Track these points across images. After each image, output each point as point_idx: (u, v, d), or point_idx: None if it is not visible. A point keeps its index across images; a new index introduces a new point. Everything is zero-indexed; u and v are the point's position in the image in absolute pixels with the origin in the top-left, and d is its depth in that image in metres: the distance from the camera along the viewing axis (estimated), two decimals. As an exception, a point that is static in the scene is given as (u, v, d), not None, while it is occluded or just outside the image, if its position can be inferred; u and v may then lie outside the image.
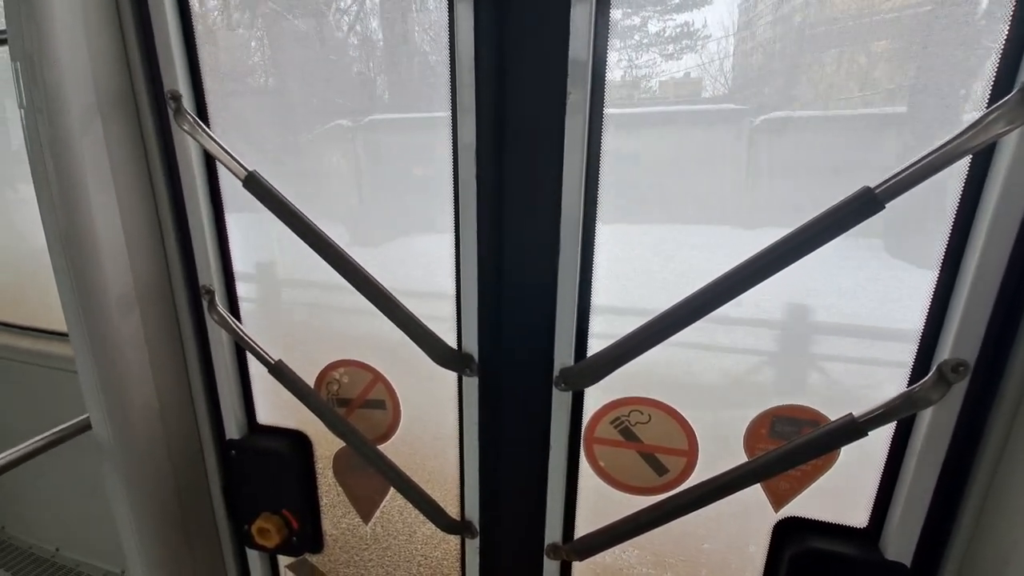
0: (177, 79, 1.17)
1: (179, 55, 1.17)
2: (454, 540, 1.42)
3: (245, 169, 1.12)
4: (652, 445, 1.18)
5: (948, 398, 0.90)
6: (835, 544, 1.08)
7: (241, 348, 1.40)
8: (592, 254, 1.06)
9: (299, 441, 1.45)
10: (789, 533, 1.13)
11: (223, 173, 1.25)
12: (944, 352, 0.90)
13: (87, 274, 1.20)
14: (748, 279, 0.89)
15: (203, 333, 1.38)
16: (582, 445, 1.22)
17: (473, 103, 1.00)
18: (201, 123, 1.15)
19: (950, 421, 0.93)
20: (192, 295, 1.35)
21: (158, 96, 1.20)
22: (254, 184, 1.12)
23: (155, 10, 1.14)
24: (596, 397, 1.17)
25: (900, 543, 1.02)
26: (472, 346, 1.15)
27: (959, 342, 0.88)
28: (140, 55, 1.18)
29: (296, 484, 1.46)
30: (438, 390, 1.28)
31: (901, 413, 0.92)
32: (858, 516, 1.09)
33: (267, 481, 1.47)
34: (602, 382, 1.10)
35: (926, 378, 0.90)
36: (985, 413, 0.92)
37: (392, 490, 1.44)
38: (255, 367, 1.42)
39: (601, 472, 1.23)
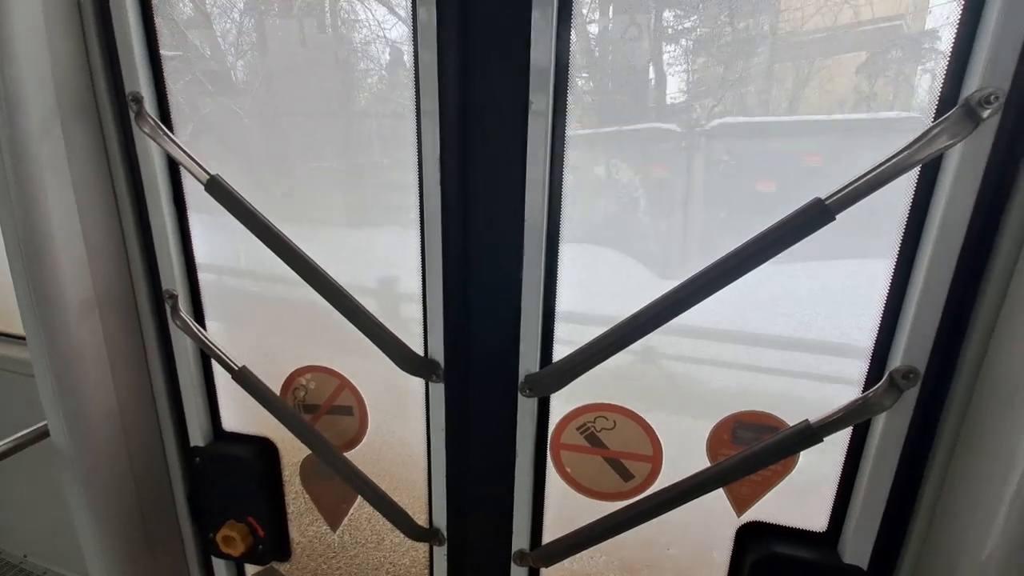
0: (139, 81, 1.15)
1: (141, 57, 1.15)
2: (422, 548, 1.41)
3: (207, 173, 1.11)
4: (617, 451, 1.19)
5: (900, 404, 0.92)
6: (795, 548, 1.09)
7: (206, 354, 1.38)
8: (556, 260, 1.07)
9: (265, 448, 1.43)
10: (751, 537, 1.14)
11: (188, 177, 1.23)
12: (896, 360, 0.93)
13: (45, 278, 1.17)
14: (707, 287, 0.90)
15: (166, 339, 1.35)
16: (548, 451, 1.22)
17: (436, 109, 1.00)
18: (163, 126, 1.13)
19: (902, 426, 0.95)
20: (155, 300, 1.32)
21: (120, 98, 1.18)
22: (216, 188, 1.11)
23: (116, 11, 1.13)
24: (563, 403, 1.18)
25: (857, 547, 1.04)
26: (438, 352, 1.15)
27: (909, 350, 0.91)
28: (101, 56, 1.16)
29: (262, 491, 1.44)
30: (405, 396, 1.27)
31: (855, 419, 0.94)
32: (818, 520, 1.11)
33: (233, 488, 1.45)
34: (568, 387, 1.11)
35: (878, 385, 0.92)
36: (935, 418, 0.95)
37: (360, 497, 1.43)
38: (221, 373, 1.40)
39: (568, 478, 1.23)
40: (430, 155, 1.02)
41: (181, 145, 1.12)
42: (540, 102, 0.96)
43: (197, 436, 1.42)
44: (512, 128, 0.99)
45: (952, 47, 0.81)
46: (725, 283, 0.91)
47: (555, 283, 1.08)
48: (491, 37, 0.97)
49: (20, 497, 2.47)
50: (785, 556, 1.09)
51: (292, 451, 1.43)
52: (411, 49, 1.01)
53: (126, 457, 1.37)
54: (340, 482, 1.40)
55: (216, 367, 1.40)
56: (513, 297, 1.08)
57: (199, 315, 1.36)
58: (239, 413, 1.44)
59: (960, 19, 0.80)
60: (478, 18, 0.97)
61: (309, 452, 1.41)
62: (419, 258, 1.12)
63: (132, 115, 1.15)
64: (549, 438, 1.20)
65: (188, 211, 1.27)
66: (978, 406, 0.89)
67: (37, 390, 1.28)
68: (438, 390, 1.18)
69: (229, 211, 1.12)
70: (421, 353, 1.18)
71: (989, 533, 0.85)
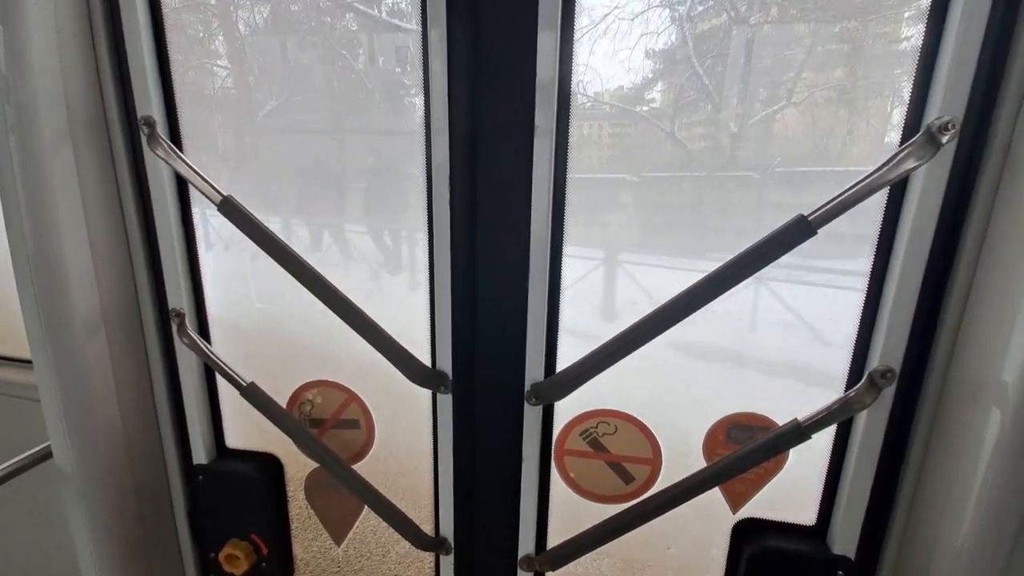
0: (151, 104, 1.18)
1: (153, 80, 1.18)
2: (428, 558, 1.44)
3: (220, 194, 1.14)
4: (619, 455, 1.24)
5: (879, 402, 1.01)
6: (787, 542, 1.16)
7: (210, 371, 1.39)
8: (560, 272, 1.13)
9: (269, 464, 1.44)
10: (747, 533, 1.21)
11: (195, 196, 1.26)
12: (874, 361, 1.01)
13: (54, 296, 1.18)
14: (700, 298, 0.97)
15: (171, 356, 1.36)
16: (553, 457, 1.27)
17: (446, 124, 1.05)
18: (175, 148, 1.16)
19: (881, 422, 1.03)
20: (161, 318, 1.34)
21: (131, 120, 1.21)
22: (229, 208, 1.14)
23: (130, 34, 1.16)
24: (566, 410, 1.23)
25: (844, 537, 1.11)
26: (446, 364, 1.19)
27: (886, 351, 0.99)
28: (113, 79, 1.19)
29: (266, 508, 1.45)
30: (412, 408, 1.31)
31: (839, 417, 1.02)
32: (807, 514, 1.18)
33: (236, 506, 1.45)
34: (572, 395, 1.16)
35: (859, 384, 1.00)
36: (911, 414, 1.03)
37: (364, 511, 1.45)
38: (224, 390, 1.42)
39: (571, 483, 1.28)
40: (440, 172, 1.08)
41: (194, 167, 1.15)
42: (545, 120, 1.02)
43: (200, 453, 1.43)
44: (518, 145, 1.06)
45: (914, 77, 0.91)
46: (717, 294, 0.98)
47: (559, 295, 1.14)
48: (499, 56, 1.04)
49: (8, 523, 2.39)
50: (778, 549, 1.15)
51: (296, 466, 1.45)
52: (421, 67, 1.06)
53: (129, 475, 1.36)
54: (345, 495, 1.42)
55: (220, 384, 1.41)
56: (519, 309, 1.13)
57: (204, 332, 1.37)
58: (243, 429, 1.45)
59: (920, 49, 0.90)
60: (487, 37, 1.03)
61: (313, 467, 1.43)
62: (427, 271, 1.16)
63: (144, 137, 1.18)
64: (553, 444, 1.25)
65: (196, 230, 1.29)
66: (948, 401, 0.98)
67: (33, 416, 1.27)
68: (446, 401, 1.22)
69: (243, 231, 1.15)
70: (429, 365, 1.22)
71: (963, 520, 0.93)
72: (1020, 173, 0.83)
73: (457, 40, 1.02)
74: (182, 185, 1.26)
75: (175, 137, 1.24)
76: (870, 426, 1.04)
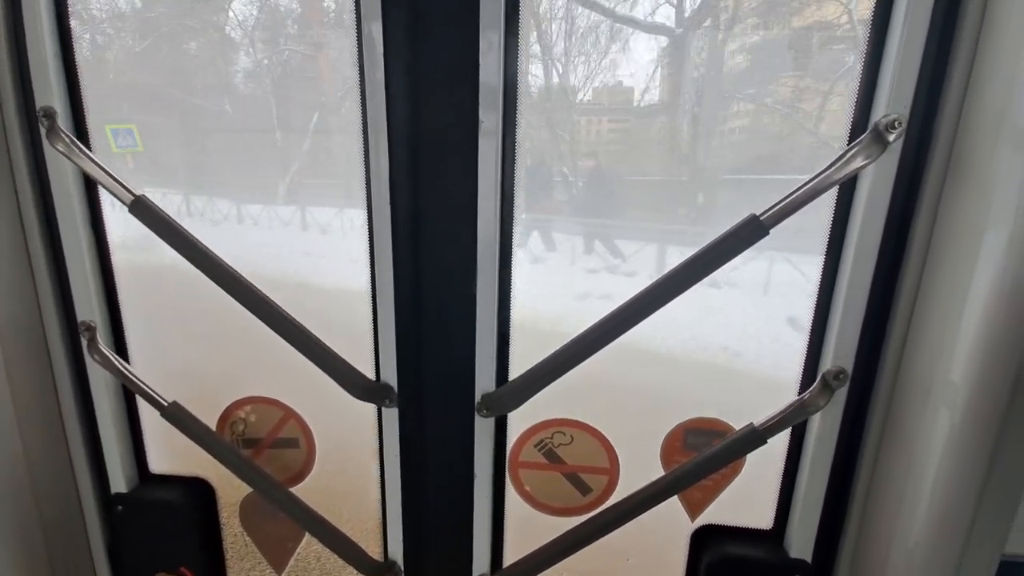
0: (52, 94, 1.05)
1: (54, 67, 1.06)
2: (377, 582, 1.34)
3: (132, 193, 1.02)
4: (575, 465, 1.19)
5: (832, 403, 0.99)
6: (745, 548, 1.14)
7: (129, 390, 1.26)
8: (509, 279, 1.07)
9: (199, 489, 1.32)
10: (705, 540, 1.18)
11: (108, 196, 1.14)
12: (827, 363, 1.00)
13: (-68, 313, 1.04)
14: (654, 302, 0.93)
15: (82, 375, 1.22)
16: (507, 470, 1.21)
17: (384, 126, 0.98)
18: (79, 144, 1.04)
19: (835, 424, 1.02)
20: (69, 333, 1.20)
21: (29, 111, 1.07)
22: (141, 210, 1.02)
23: (28, 15, 1.03)
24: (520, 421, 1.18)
25: (801, 541, 1.10)
26: (391, 376, 1.12)
27: (838, 352, 0.98)
28: (9, 65, 1.05)
29: (196, 537, 1.33)
30: (356, 423, 1.22)
31: (794, 419, 1.00)
32: (765, 519, 1.16)
33: (162, 537, 1.32)
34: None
35: (812, 386, 0.98)
36: (863, 414, 1.03)
37: (308, 535, 1.35)
38: (147, 410, 1.28)
39: (527, 496, 1.22)
40: (379, 174, 1.00)
41: (100, 163, 1.03)
42: (490, 120, 0.97)
43: (119, 481, 1.29)
44: (463, 146, 1.00)
45: (861, 77, 0.90)
46: (670, 298, 0.95)
47: (509, 301, 1.08)
48: (440, 55, 0.97)
49: None
50: (737, 556, 1.13)
51: (231, 490, 1.33)
52: (357, 64, 0.99)
53: (34, 509, 1.21)
54: (286, 520, 1.31)
55: (141, 404, 1.28)
56: (468, 316, 1.07)
57: (121, 348, 1.24)
58: (169, 453, 1.33)
59: (866, 50, 0.89)
60: (426, 36, 0.97)
61: (250, 491, 1.31)
62: (369, 279, 1.08)
63: (43, 131, 1.05)
64: (507, 457, 1.19)
65: (108, 235, 1.16)
66: (899, 401, 0.97)
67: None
68: (391, 415, 1.15)
69: (157, 234, 1.04)
70: (373, 378, 1.14)
71: (915, 519, 0.92)
72: (965, 170, 0.83)
73: (395, 39, 0.95)
74: (90, 183, 1.13)
75: (80, 131, 1.11)
76: (824, 428, 1.03)
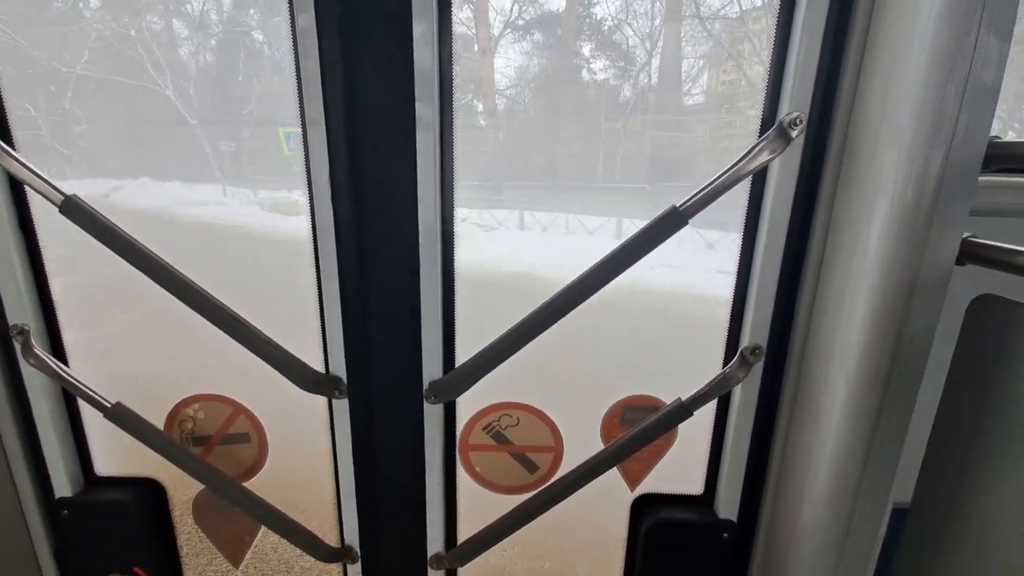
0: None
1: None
2: (335, 568, 1.38)
3: (61, 194, 1.00)
4: (522, 445, 1.26)
5: (750, 377, 1.09)
6: (679, 512, 1.24)
7: (70, 394, 1.24)
8: (452, 267, 1.11)
9: (149, 489, 1.31)
10: (644, 508, 1.27)
11: (35, 195, 1.10)
12: (745, 340, 1.09)
13: None
14: (585, 291, 1.00)
15: (17, 379, 1.19)
16: (458, 453, 1.26)
17: (322, 118, 0.99)
18: (5, 145, 1.00)
19: (753, 395, 1.12)
20: (0, 336, 1.16)
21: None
22: (73, 209, 1.01)
23: None
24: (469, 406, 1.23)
25: (728, 503, 1.21)
26: (340, 368, 1.14)
27: (755, 330, 1.07)
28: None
29: (149, 537, 1.32)
30: (307, 415, 1.24)
31: (717, 392, 1.09)
32: (695, 486, 1.26)
33: (112, 538, 1.31)
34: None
35: (732, 361, 1.08)
36: (778, 385, 1.13)
37: (264, 527, 1.37)
38: (89, 412, 1.26)
39: (477, 477, 1.28)
40: (319, 165, 1.02)
41: (26, 163, 1.00)
42: (426, 111, 0.99)
43: (63, 486, 1.27)
44: (400, 136, 1.02)
45: (768, 75, 0.98)
46: (599, 286, 1.01)
47: (453, 289, 1.12)
48: (373, 45, 0.99)
49: None
50: (672, 520, 1.23)
51: (183, 488, 1.33)
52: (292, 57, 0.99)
53: (-29, 520, 1.19)
54: (240, 514, 1.33)
55: (83, 406, 1.26)
56: (413, 305, 1.11)
57: (58, 350, 1.21)
58: (115, 454, 1.31)
59: (772, 53, 0.97)
60: (359, 26, 0.98)
61: (201, 488, 1.32)
62: (314, 272, 1.10)
63: (-41, 131, 1.01)
64: (458, 441, 1.24)
65: (39, 235, 1.13)
66: (806, 372, 1.08)
67: None
68: (342, 406, 1.17)
69: (90, 233, 1.02)
70: (321, 370, 1.16)
71: (819, 476, 1.03)
72: (856, 162, 0.93)
73: (327, 29, 0.96)
74: (16, 185, 1.10)
75: (2, 130, 1.07)
76: (744, 399, 1.13)
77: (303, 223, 1.05)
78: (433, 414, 1.18)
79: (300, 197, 1.04)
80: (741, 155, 0.94)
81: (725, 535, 1.22)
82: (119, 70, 1.13)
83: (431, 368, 1.14)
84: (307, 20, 0.95)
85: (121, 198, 1.13)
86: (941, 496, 1.16)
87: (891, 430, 0.93)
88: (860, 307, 0.92)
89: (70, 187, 1.01)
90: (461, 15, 1.00)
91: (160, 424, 1.24)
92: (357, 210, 1.07)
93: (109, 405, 1.14)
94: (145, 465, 1.31)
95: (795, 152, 0.97)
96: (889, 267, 0.88)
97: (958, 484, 1.15)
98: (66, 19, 1.09)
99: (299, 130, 1.01)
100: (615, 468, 1.23)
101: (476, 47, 1.08)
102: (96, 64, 1.09)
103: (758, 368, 1.10)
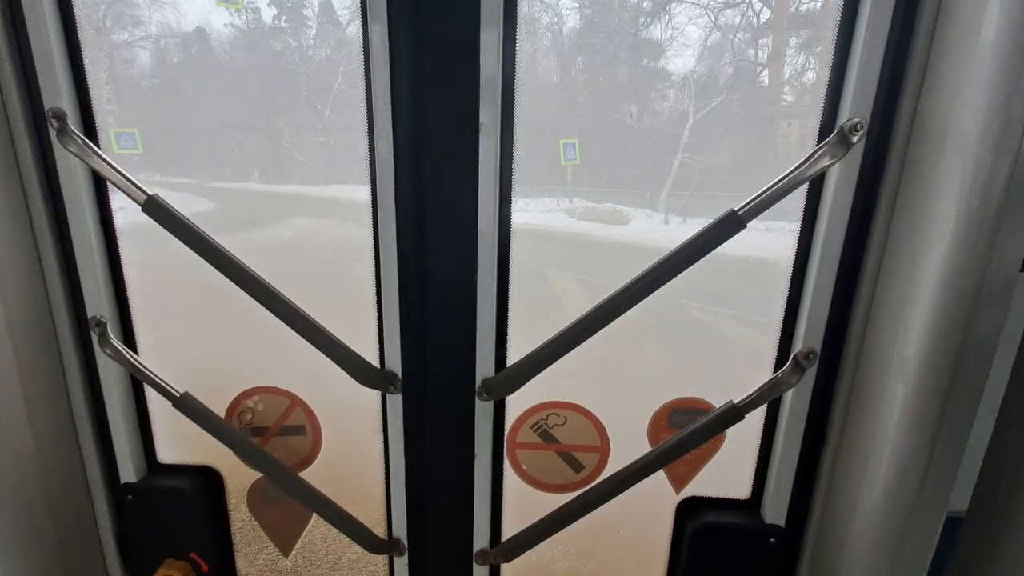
0: (61, 95, 1.08)
1: (62, 68, 1.08)
2: (382, 560, 1.41)
3: (144, 193, 1.06)
4: (569, 444, 1.28)
5: (803, 381, 1.09)
6: (725, 516, 1.24)
7: (138, 383, 1.30)
8: (508, 270, 1.14)
9: (208, 477, 1.37)
10: (689, 511, 1.28)
11: (117, 194, 1.17)
12: (798, 343, 1.09)
13: (-55, 309, 1.06)
14: (641, 291, 1.02)
15: (92, 368, 1.26)
16: (505, 451, 1.28)
17: (390, 125, 1.04)
18: (91, 144, 1.07)
19: (806, 400, 1.12)
20: (79, 328, 1.23)
21: (37, 113, 1.10)
22: (154, 208, 1.07)
23: (31, 16, 1.05)
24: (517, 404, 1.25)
25: (775, 508, 1.21)
26: (395, 364, 1.18)
27: (808, 334, 1.08)
28: (13, 68, 1.08)
29: (205, 524, 1.37)
30: (362, 409, 1.28)
31: (769, 396, 1.10)
32: (742, 489, 1.26)
33: (171, 524, 1.36)
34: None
35: (785, 365, 1.08)
36: (831, 391, 1.13)
37: (313, 518, 1.41)
38: (155, 402, 1.33)
39: (524, 475, 1.30)
40: (384, 170, 1.06)
41: (112, 163, 1.07)
42: (489, 118, 1.03)
43: (129, 471, 1.33)
44: (464, 143, 1.05)
45: (828, 82, 0.99)
46: (655, 288, 1.03)
47: (507, 291, 1.15)
48: (442, 56, 1.03)
49: None
50: (717, 524, 1.23)
51: (238, 477, 1.38)
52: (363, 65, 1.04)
53: (45, 500, 1.25)
54: (292, 504, 1.37)
55: (149, 396, 1.32)
56: (468, 305, 1.14)
57: (130, 341, 1.28)
58: (177, 443, 1.37)
59: (833, 56, 0.98)
60: (429, 37, 1.02)
61: (256, 478, 1.37)
62: (374, 271, 1.14)
63: (53, 132, 1.08)
64: (505, 438, 1.27)
65: (117, 231, 1.20)
66: (861, 378, 1.08)
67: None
68: (396, 401, 1.21)
69: (170, 231, 1.08)
70: (377, 365, 1.20)
71: (874, 484, 1.03)
72: (919, 169, 0.93)
73: (399, 38, 1.00)
74: (99, 182, 1.17)
75: (89, 130, 1.14)
76: (796, 404, 1.13)
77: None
78: (483, 411, 1.21)
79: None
80: (800, 160, 0.95)
81: (772, 540, 1.21)
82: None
83: (484, 366, 1.17)
84: (380, 33, 0.99)
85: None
86: (997, 506, 1.14)
87: (951, 440, 0.93)
88: (921, 314, 0.92)
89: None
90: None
91: (221, 414, 1.29)
92: (419, 211, 1.10)
93: (178, 395, 1.20)
94: (204, 453, 1.36)
95: (855, 157, 0.97)
96: (952, 274, 0.88)
97: (1016, 495, 1.12)
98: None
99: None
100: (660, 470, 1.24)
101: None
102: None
103: (811, 373, 1.10)
